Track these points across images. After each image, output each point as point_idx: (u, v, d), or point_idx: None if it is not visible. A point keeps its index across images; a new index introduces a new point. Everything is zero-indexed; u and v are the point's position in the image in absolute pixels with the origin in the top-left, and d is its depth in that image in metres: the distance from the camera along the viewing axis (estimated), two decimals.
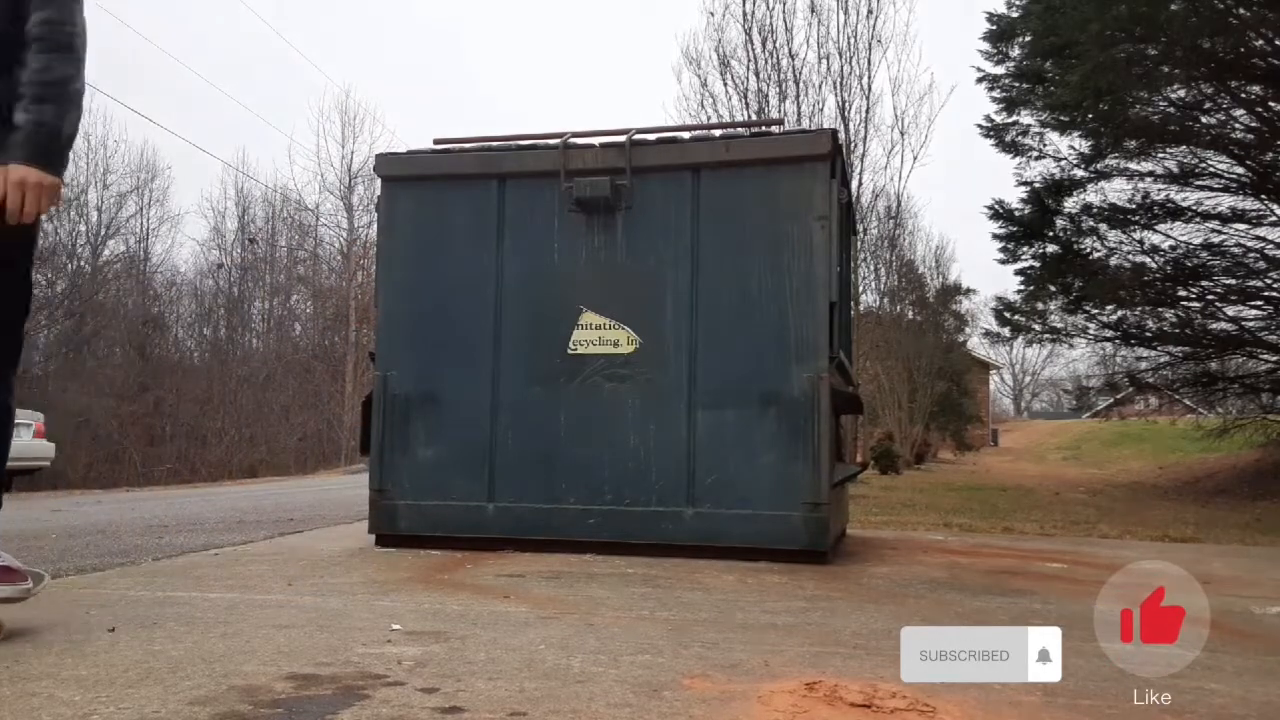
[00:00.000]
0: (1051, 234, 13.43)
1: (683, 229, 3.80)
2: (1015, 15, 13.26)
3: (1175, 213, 12.56)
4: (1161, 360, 13.99)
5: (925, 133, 12.61)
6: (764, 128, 4.40)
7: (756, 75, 11.42)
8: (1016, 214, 13.49)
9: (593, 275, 3.86)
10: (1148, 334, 13.33)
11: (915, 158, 11.69)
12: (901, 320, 20.62)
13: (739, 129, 4.53)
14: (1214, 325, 12.99)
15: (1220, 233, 12.44)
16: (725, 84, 11.63)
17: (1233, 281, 12.44)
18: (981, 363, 34.71)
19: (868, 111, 11.20)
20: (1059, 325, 14.62)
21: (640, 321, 3.81)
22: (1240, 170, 12.07)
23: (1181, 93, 11.53)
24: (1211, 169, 12.24)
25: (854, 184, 10.26)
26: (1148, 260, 12.82)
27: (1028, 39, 12.81)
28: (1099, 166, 13.08)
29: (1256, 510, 9.31)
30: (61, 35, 2.02)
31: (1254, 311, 12.68)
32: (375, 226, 5.06)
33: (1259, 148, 11.62)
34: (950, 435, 26.64)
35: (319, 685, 1.73)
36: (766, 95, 11.35)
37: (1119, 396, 15.77)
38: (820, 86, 11.28)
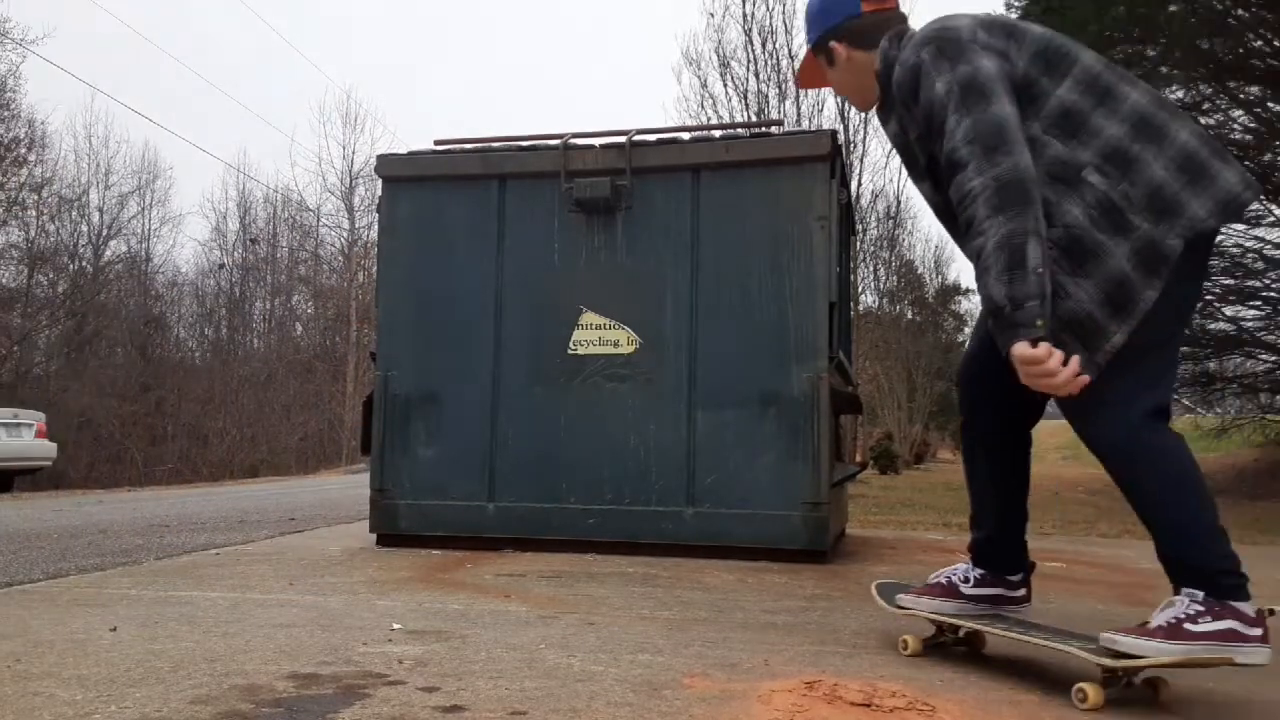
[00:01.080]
0: None
1: (683, 229, 3.81)
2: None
3: None
4: None
5: None
6: (764, 128, 4.41)
7: (756, 76, 11.45)
8: None
9: (593, 275, 3.87)
10: None
11: None
12: (901, 320, 20.65)
13: (739, 130, 4.53)
14: (1212, 325, 13.00)
15: (1219, 233, 12.44)
16: (725, 84, 11.66)
17: (1231, 282, 12.44)
18: None
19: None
20: None
21: (640, 321, 3.81)
22: None
23: (1180, 93, 11.54)
24: None
25: (853, 184, 10.28)
26: None
27: None
28: None
29: (1255, 510, 9.31)
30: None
31: (1252, 312, 12.69)
32: (376, 227, 5.07)
33: (1258, 148, 11.63)
34: (949, 435, 26.69)
35: (320, 684, 1.74)
36: (766, 96, 11.38)
37: None
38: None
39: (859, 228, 10.73)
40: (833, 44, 2.08)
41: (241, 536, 4.58)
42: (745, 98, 11.43)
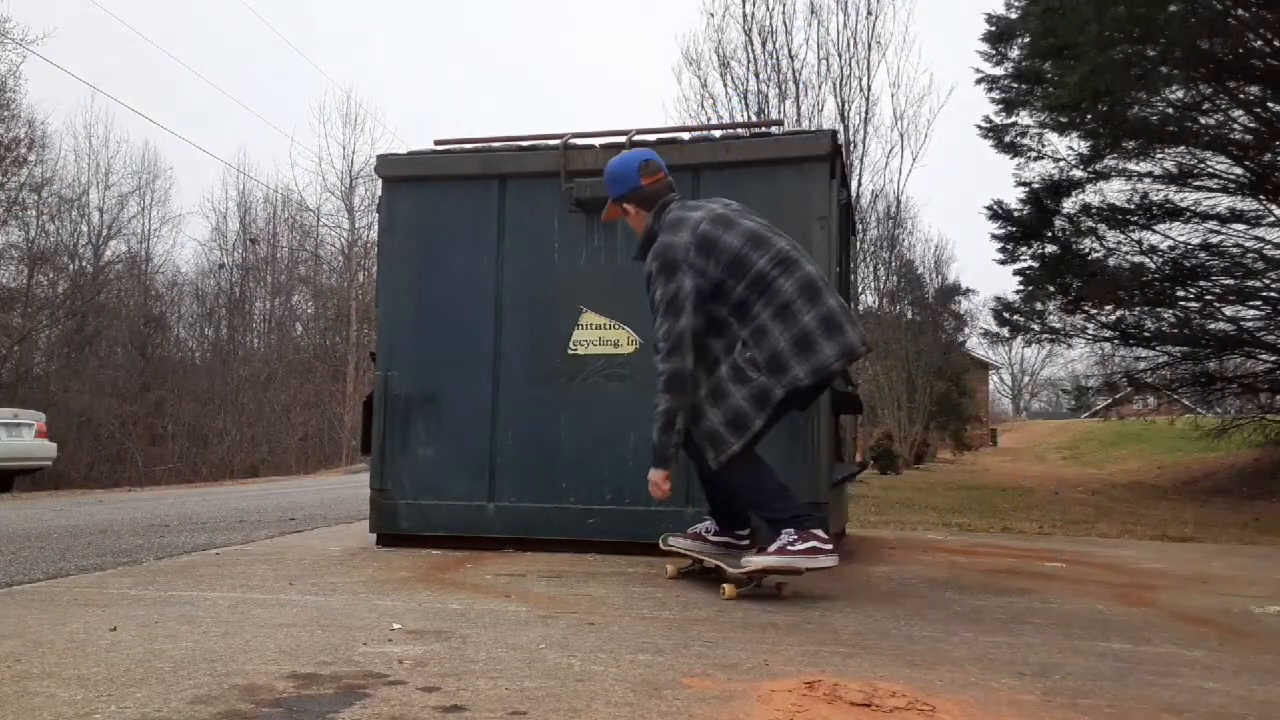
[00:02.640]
0: (1050, 234, 13.45)
1: None
2: (1014, 16, 13.27)
3: (1174, 213, 12.58)
4: (1160, 360, 14.00)
5: (924, 133, 12.65)
6: (764, 128, 4.40)
7: (756, 76, 11.44)
8: (1015, 214, 13.51)
9: (593, 275, 3.87)
10: (1146, 334, 13.34)
11: (914, 158, 11.75)
12: (901, 320, 20.63)
13: (739, 130, 4.52)
14: (1212, 325, 13.00)
15: (1219, 233, 12.46)
16: (725, 85, 11.65)
17: (1231, 281, 12.45)
18: (980, 363, 34.76)
19: (867, 112, 11.24)
20: (1058, 325, 14.63)
21: (640, 321, 3.80)
22: (1239, 171, 12.08)
23: (1180, 93, 11.54)
24: (1210, 169, 12.26)
25: (853, 184, 10.27)
26: (1146, 260, 12.84)
27: (1026, 40, 12.82)
28: (1098, 167, 13.09)
29: (1254, 510, 9.32)
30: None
31: (1252, 311, 12.69)
32: (376, 227, 5.07)
33: (1257, 148, 11.63)
34: (949, 435, 26.65)
35: (320, 684, 1.74)
36: (766, 96, 11.37)
37: (1117, 397, 15.79)
38: (820, 87, 11.31)
39: (859, 228, 10.72)
40: (624, 204, 3.07)
41: (241, 536, 4.58)
42: (745, 98, 11.42)
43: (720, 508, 3.13)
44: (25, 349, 23.19)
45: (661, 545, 3.25)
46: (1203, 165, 12.22)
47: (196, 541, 4.34)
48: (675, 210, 2.97)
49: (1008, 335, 15.64)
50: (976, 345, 30.20)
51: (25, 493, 11.74)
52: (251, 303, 32.52)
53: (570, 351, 3.84)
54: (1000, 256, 13.93)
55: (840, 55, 11.22)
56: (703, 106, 11.70)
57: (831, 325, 2.78)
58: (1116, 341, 14.05)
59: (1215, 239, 12.41)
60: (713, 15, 11.79)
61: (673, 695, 1.70)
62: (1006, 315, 14.86)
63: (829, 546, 2.77)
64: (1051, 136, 13.42)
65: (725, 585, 2.82)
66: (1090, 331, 14.15)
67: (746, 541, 3.10)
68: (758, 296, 2.80)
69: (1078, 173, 13.30)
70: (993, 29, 13.64)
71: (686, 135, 4.07)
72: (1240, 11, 10.09)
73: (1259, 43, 10.46)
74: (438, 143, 4.18)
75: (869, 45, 11.21)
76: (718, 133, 4.22)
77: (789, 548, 2.74)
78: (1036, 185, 13.47)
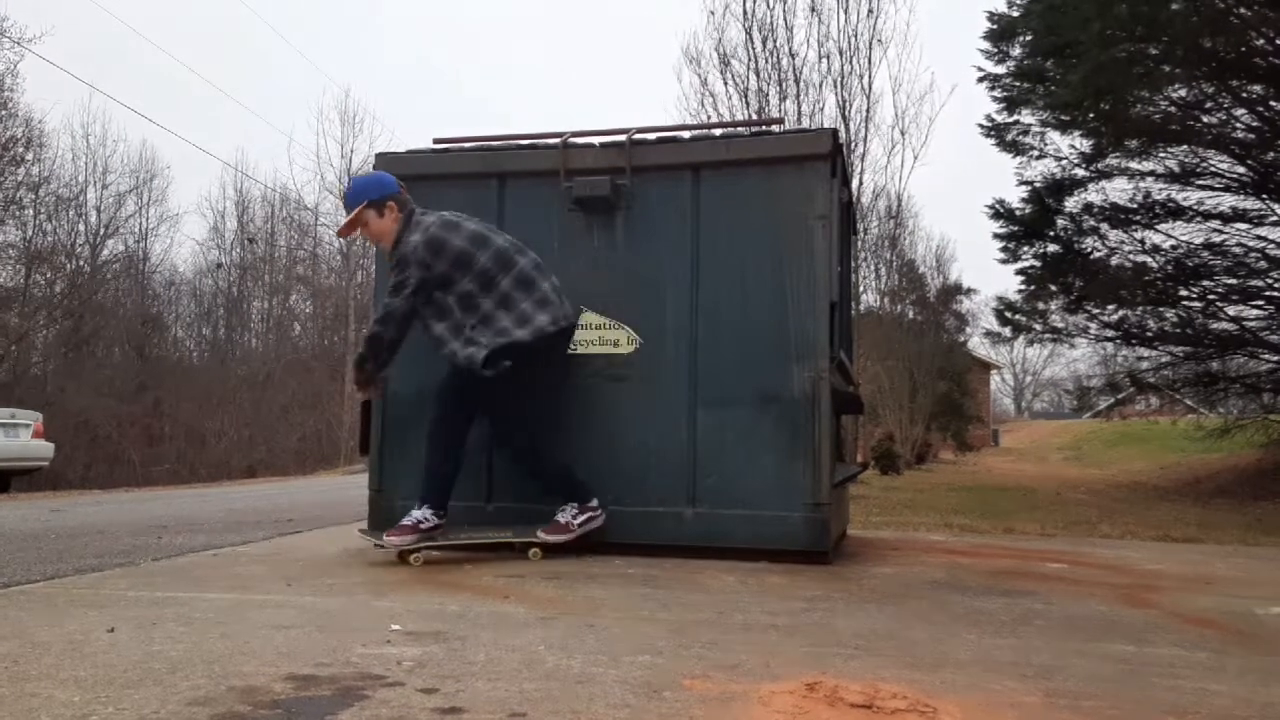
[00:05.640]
0: (1052, 233, 13.43)
1: (683, 228, 3.79)
2: (1016, 15, 13.24)
3: (1176, 212, 12.56)
4: (1162, 360, 13.99)
5: (926, 132, 12.55)
6: (764, 127, 4.39)
7: (757, 74, 11.39)
8: (1017, 213, 13.48)
9: (593, 275, 3.85)
10: (1149, 334, 13.32)
11: (916, 157, 11.68)
12: (902, 320, 20.60)
13: (739, 128, 4.52)
14: (1215, 325, 12.98)
15: (1221, 232, 12.44)
16: (725, 83, 11.59)
17: (1234, 281, 12.43)
18: (982, 363, 34.73)
19: (868, 111, 11.17)
20: (1060, 325, 14.61)
21: (640, 321, 3.80)
22: (1241, 170, 12.06)
23: (1183, 92, 11.52)
24: (1213, 168, 12.24)
25: (855, 183, 10.24)
26: (1149, 260, 12.82)
27: (1028, 38, 12.81)
28: (1100, 166, 13.07)
29: (1258, 510, 9.30)
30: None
31: (1255, 311, 12.67)
32: None
33: (1260, 147, 11.61)
34: (951, 435, 26.61)
35: (318, 686, 1.73)
36: (767, 94, 11.32)
37: (1120, 396, 15.74)
38: (820, 86, 11.25)
39: (860, 227, 10.70)
40: (389, 202, 3.58)
41: (239, 537, 4.56)
42: (745, 96, 11.37)
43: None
44: (22, 349, 23.18)
45: (374, 541, 3.68)
46: (1205, 164, 12.20)
47: (194, 542, 4.32)
48: (416, 215, 3.57)
49: (1010, 335, 15.62)
50: (978, 345, 30.13)
51: (22, 493, 11.72)
52: (249, 302, 32.56)
53: (570, 351, 3.82)
54: (1002, 256, 13.90)
55: (841, 54, 11.17)
56: (703, 105, 11.64)
57: (545, 303, 3.49)
58: (1119, 341, 14.04)
59: (1218, 238, 12.39)
60: (713, 14, 11.74)
61: (673, 697, 1.69)
62: (1008, 315, 14.84)
63: (601, 512, 3.64)
64: (1053, 135, 13.40)
65: (536, 549, 3.58)
66: (1093, 331, 14.14)
67: (444, 519, 3.64)
68: (480, 289, 3.46)
69: (1080, 171, 13.29)
70: (994, 27, 13.61)
71: (687, 133, 4.06)
72: (1243, 10, 10.07)
73: (1261, 41, 10.44)
74: (436, 141, 4.17)
75: (870, 44, 11.15)
76: (718, 131, 4.20)
77: (576, 520, 3.60)
78: (1038, 184, 13.45)
